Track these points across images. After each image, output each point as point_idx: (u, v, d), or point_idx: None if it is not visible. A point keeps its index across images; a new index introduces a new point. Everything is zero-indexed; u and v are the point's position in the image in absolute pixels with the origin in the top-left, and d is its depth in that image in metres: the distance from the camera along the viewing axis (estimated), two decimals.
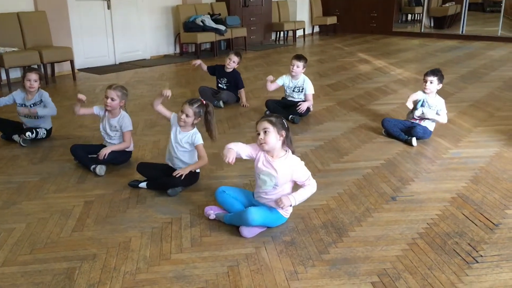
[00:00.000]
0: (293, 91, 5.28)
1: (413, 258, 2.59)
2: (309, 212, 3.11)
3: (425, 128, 4.49)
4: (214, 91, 5.82)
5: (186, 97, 6.09)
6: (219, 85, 5.84)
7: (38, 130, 4.39)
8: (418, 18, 14.05)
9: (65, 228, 2.90)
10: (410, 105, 4.53)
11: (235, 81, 5.81)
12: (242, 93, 5.85)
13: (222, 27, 9.49)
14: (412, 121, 4.59)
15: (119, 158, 3.88)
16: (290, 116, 5.05)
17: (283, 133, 2.77)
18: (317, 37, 13.36)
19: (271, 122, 2.76)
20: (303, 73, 5.28)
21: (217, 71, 5.90)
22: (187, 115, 3.35)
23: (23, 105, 4.41)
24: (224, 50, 10.41)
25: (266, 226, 2.87)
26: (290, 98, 5.32)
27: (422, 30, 13.26)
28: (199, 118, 3.41)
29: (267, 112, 5.29)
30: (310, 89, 5.25)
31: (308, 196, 2.83)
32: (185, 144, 3.42)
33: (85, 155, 3.83)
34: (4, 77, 6.78)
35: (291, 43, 11.96)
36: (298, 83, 5.25)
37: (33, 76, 4.31)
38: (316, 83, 7.02)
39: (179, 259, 2.58)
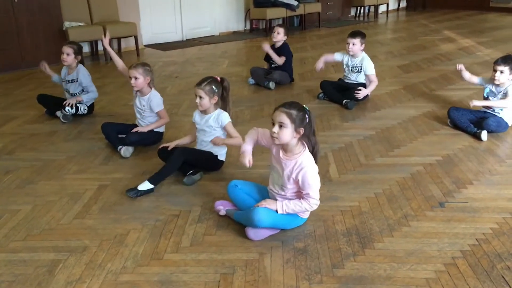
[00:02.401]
0: (351, 70, 4.76)
1: (447, 283, 2.11)
2: (335, 214, 2.70)
3: (499, 120, 3.83)
4: (266, 71, 5.44)
5: (242, 76, 5.84)
6: (272, 65, 5.42)
7: (78, 105, 4.33)
8: None
9: (68, 214, 2.75)
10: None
11: (287, 50, 5.35)
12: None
13: (294, 2, 9.01)
14: (485, 110, 3.95)
15: (149, 140, 3.69)
16: (344, 101, 4.58)
17: (301, 130, 2.36)
18: (403, 12, 12.39)
19: (290, 116, 2.32)
20: (363, 50, 4.73)
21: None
22: (200, 97, 3.10)
23: (64, 80, 4.39)
24: (296, 27, 9.95)
25: (279, 228, 2.52)
26: (347, 80, 4.82)
27: None
28: (217, 97, 3.12)
29: (320, 95, 4.85)
30: (370, 69, 4.68)
31: (298, 210, 2.46)
32: (212, 126, 3.16)
33: (115, 134, 3.68)
34: None
35: (372, 19, 11.18)
36: (357, 62, 4.71)
37: (65, 49, 4.25)
38: (386, 63, 6.43)
39: (172, 260, 2.31)
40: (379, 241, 2.44)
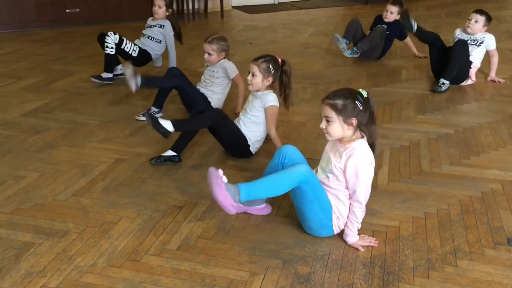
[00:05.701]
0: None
1: None
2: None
3: None
4: (363, 33, 4.85)
5: (320, 48, 5.29)
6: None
7: (130, 41, 4.13)
8: None
9: (69, 189, 2.53)
10: None
11: (399, 31, 4.75)
12: (410, 43, 4.86)
13: None
14: None
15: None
16: (441, 81, 3.95)
17: (353, 121, 1.97)
18: None
19: (334, 108, 1.97)
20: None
21: (376, 22, 4.88)
22: (253, 74, 2.76)
23: (147, 26, 4.39)
24: None
25: (305, 217, 2.10)
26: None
27: None
28: (272, 78, 2.76)
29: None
30: (493, 43, 4.14)
31: (358, 222, 2.08)
32: (256, 107, 2.81)
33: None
34: None
35: None
36: (477, 36, 4.14)
37: (157, 1, 4.24)
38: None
39: (148, 265, 1.98)
40: (407, 282, 1.89)
